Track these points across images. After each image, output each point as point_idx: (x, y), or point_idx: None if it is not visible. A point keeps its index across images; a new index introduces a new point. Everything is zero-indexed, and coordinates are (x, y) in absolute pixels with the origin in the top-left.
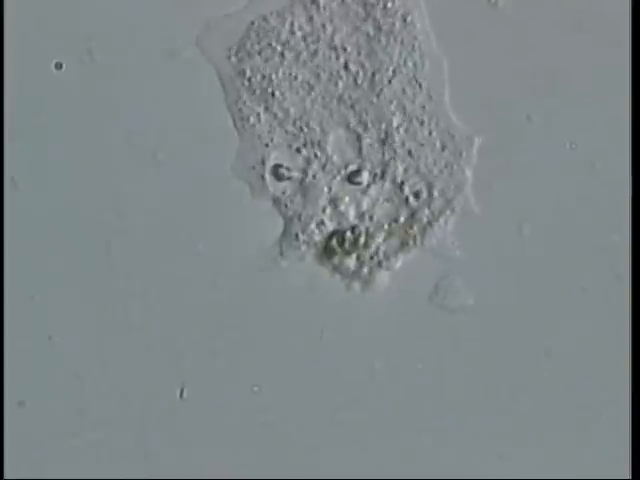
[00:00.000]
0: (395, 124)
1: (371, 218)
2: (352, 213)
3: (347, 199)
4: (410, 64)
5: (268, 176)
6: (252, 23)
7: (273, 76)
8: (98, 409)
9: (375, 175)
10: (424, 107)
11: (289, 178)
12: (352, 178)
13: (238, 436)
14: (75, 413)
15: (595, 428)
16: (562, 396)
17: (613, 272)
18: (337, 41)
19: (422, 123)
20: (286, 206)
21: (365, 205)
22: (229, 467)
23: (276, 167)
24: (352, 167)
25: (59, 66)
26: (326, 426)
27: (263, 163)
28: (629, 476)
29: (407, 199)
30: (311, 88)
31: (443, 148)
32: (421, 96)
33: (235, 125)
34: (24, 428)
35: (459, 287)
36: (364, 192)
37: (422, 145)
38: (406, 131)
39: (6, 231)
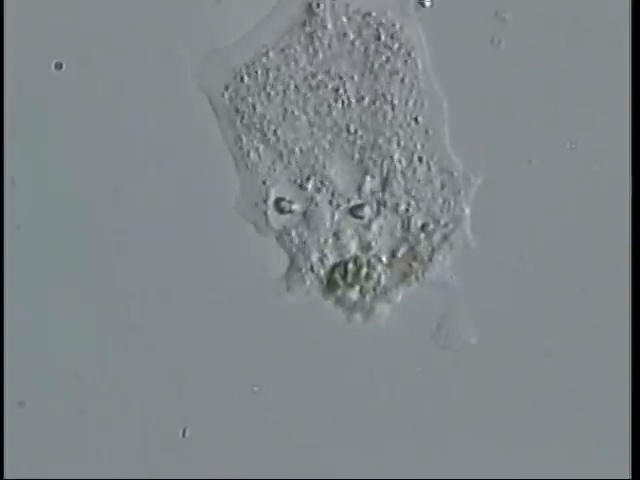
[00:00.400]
0: (395, 161)
1: (371, 250)
2: (354, 245)
3: (349, 232)
4: (410, 103)
5: (271, 212)
6: (253, 63)
7: (271, 113)
8: (98, 409)
9: (377, 210)
10: (423, 145)
11: (291, 211)
12: (355, 212)
13: (238, 435)
14: (75, 413)
15: (595, 428)
16: (562, 396)
17: (613, 273)
18: (337, 77)
19: (421, 160)
20: (291, 241)
21: (367, 238)
22: (229, 467)
23: (278, 201)
24: (354, 201)
25: (59, 66)
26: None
27: (265, 201)
28: (629, 476)
29: (408, 233)
30: (311, 124)
31: (442, 186)
32: (420, 134)
33: (236, 164)
34: (24, 428)
35: (461, 327)
36: (366, 226)
37: (419, 181)
38: (406, 168)
39: (6, 231)
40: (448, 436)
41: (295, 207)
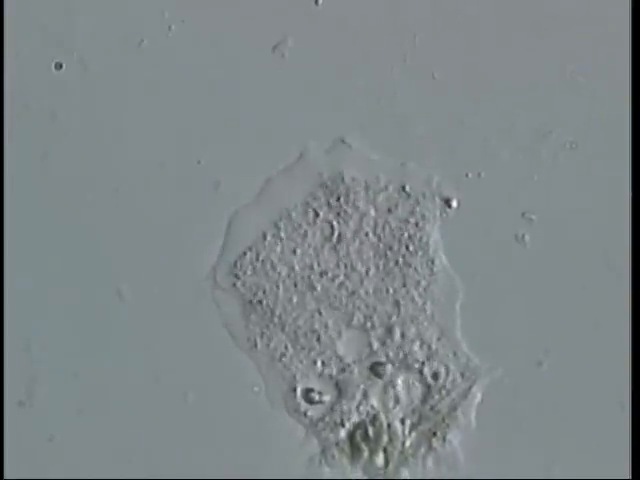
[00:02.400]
0: (419, 359)
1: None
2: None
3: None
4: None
5: (301, 403)
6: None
7: (295, 314)
8: (98, 409)
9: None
10: (439, 339)
11: (320, 402)
12: (375, 369)
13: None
14: (75, 413)
15: (595, 428)
16: (562, 396)
17: (614, 273)
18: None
19: (446, 369)
20: (323, 429)
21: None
22: (229, 467)
23: (307, 391)
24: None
25: (59, 66)
26: None
27: (294, 390)
28: (629, 476)
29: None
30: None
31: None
32: (435, 333)
33: (260, 370)
34: (24, 428)
35: None
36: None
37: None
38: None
39: (6, 231)
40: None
41: (324, 398)
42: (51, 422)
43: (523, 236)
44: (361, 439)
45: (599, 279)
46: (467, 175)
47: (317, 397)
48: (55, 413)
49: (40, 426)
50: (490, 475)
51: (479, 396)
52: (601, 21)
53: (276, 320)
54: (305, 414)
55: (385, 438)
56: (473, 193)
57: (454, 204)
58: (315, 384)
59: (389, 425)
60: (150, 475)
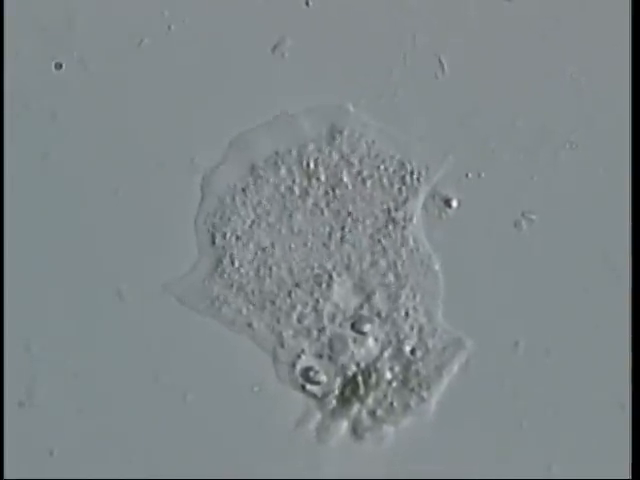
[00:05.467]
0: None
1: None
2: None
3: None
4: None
5: (304, 384)
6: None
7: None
8: (98, 409)
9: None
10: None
11: (318, 382)
12: (357, 326)
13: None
14: (75, 413)
15: (595, 428)
16: (563, 396)
17: (614, 273)
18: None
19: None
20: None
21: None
22: (228, 467)
23: (306, 370)
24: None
25: (59, 66)
26: None
27: (293, 365)
28: (629, 476)
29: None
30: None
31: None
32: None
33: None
34: (24, 428)
35: None
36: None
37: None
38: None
39: (6, 231)
40: (447, 435)
41: (322, 378)
42: (51, 422)
43: (521, 223)
44: (351, 391)
45: (599, 280)
46: (467, 175)
47: (315, 376)
48: (55, 413)
49: (40, 426)
50: (492, 476)
51: (455, 369)
52: (601, 21)
53: (266, 296)
54: (313, 395)
55: (373, 380)
56: (473, 193)
57: (454, 204)
58: (313, 362)
59: (377, 370)
60: (150, 475)
